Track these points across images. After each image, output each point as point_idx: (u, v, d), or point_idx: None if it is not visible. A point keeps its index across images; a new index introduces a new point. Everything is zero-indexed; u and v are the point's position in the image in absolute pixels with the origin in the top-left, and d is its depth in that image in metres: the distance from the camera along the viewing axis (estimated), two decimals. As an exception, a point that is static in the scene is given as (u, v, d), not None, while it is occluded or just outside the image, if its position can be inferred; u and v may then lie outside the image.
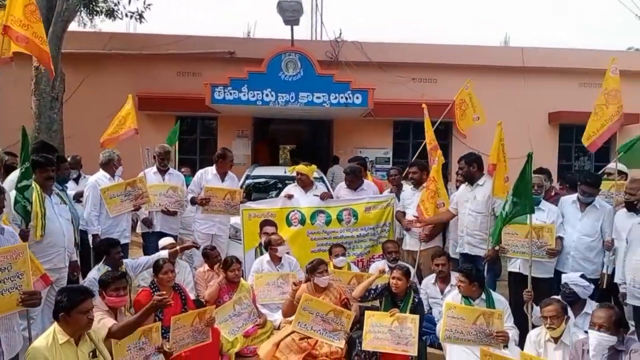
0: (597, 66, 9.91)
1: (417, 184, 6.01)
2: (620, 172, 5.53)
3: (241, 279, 5.05)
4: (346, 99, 9.64)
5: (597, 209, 4.94)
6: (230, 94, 9.68)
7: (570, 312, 4.17)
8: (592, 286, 4.41)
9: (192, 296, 5.10)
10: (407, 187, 6.31)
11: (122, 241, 5.38)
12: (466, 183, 5.49)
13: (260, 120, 12.44)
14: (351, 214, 6.21)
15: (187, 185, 6.42)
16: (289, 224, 6.10)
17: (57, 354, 3.06)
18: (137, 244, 7.07)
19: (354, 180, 6.50)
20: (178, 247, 5.01)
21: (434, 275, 5.26)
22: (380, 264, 5.48)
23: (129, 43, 11.25)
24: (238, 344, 4.55)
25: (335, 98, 9.65)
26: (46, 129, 8.82)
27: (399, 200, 6.29)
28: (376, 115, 10.81)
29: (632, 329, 4.25)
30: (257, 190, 7.83)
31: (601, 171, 6.38)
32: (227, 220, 6.41)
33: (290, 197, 6.21)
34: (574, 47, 11.89)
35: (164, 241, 5.54)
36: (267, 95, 9.63)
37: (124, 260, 4.84)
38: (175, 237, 6.10)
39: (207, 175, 6.37)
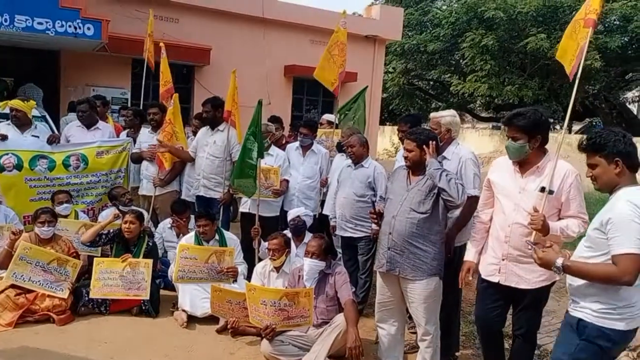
0: (326, 25, 10.93)
1: (158, 125, 5.82)
2: (331, 123, 6.48)
3: None
4: (75, 28, 8.50)
5: (316, 153, 5.59)
6: None
7: (293, 245, 4.71)
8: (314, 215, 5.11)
9: None
10: (144, 130, 6.06)
11: None
12: (207, 127, 5.56)
13: (-39, 45, 10.12)
14: (80, 159, 5.66)
15: None
16: (1, 169, 5.26)
17: None
18: None
19: (89, 114, 5.91)
20: None
21: (169, 219, 5.26)
22: (110, 211, 5.21)
23: None
24: None
25: (62, 26, 8.43)
26: None
27: (135, 143, 6.01)
28: (112, 52, 9.90)
29: (340, 255, 5.03)
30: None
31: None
32: None
33: (3, 137, 5.34)
34: (309, 6, 12.79)
35: None
36: (-31, 14, 7.85)
37: None
38: None
39: None
